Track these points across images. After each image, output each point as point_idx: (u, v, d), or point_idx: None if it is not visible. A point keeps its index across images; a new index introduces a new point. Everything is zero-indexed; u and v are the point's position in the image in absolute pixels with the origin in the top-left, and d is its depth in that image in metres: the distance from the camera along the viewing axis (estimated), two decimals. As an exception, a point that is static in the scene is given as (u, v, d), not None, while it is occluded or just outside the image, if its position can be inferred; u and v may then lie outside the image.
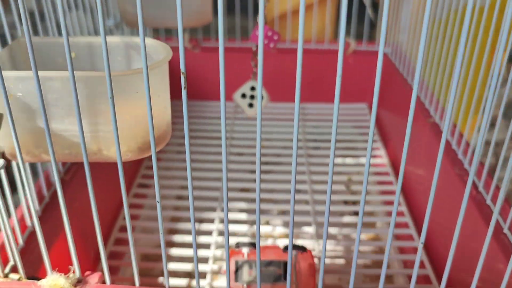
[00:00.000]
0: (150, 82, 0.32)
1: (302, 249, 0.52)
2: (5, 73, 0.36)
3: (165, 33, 1.00)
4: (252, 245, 0.52)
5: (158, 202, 0.36)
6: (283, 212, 0.74)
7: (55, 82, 0.40)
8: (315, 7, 0.96)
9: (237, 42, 0.97)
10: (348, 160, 0.84)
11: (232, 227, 0.68)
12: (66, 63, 0.32)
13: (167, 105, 0.44)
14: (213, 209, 0.72)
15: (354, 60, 0.97)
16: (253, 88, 0.62)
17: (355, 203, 0.78)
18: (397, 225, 0.71)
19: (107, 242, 0.66)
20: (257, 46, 0.59)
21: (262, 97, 0.62)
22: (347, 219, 0.72)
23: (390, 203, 0.75)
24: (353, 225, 0.72)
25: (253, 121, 0.92)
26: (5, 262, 0.44)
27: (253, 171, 0.81)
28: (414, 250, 0.65)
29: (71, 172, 0.61)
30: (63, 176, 0.59)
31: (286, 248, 0.52)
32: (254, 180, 0.79)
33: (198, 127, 0.92)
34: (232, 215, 0.70)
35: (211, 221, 0.70)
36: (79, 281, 0.41)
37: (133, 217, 0.70)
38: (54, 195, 0.56)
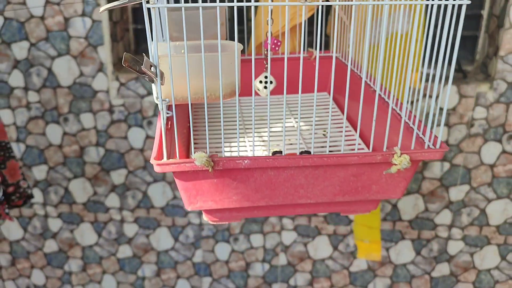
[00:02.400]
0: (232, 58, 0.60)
1: (308, 153, 0.71)
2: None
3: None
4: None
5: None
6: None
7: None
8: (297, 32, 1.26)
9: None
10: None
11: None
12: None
13: (236, 73, 0.68)
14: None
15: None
16: (266, 77, 0.91)
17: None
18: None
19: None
20: (267, 50, 0.89)
21: (272, 82, 0.92)
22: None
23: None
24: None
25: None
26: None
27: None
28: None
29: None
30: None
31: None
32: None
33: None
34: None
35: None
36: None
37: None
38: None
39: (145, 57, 0.58)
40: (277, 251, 1.77)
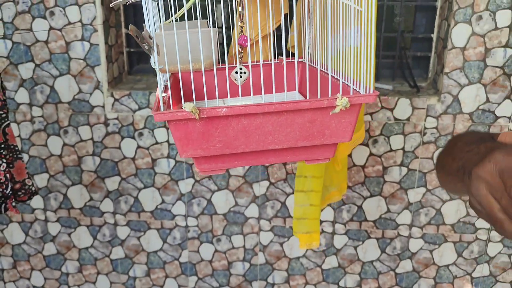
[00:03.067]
0: (208, 36, 0.80)
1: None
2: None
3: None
4: None
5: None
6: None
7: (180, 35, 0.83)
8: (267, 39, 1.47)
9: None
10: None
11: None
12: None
13: (212, 48, 0.88)
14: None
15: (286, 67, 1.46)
16: (241, 69, 1.09)
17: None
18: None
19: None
20: (240, 46, 1.09)
21: (246, 73, 1.12)
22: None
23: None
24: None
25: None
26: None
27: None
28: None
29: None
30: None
31: None
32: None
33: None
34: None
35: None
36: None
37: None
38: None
39: (145, 29, 0.75)
40: (256, 250, 1.95)
